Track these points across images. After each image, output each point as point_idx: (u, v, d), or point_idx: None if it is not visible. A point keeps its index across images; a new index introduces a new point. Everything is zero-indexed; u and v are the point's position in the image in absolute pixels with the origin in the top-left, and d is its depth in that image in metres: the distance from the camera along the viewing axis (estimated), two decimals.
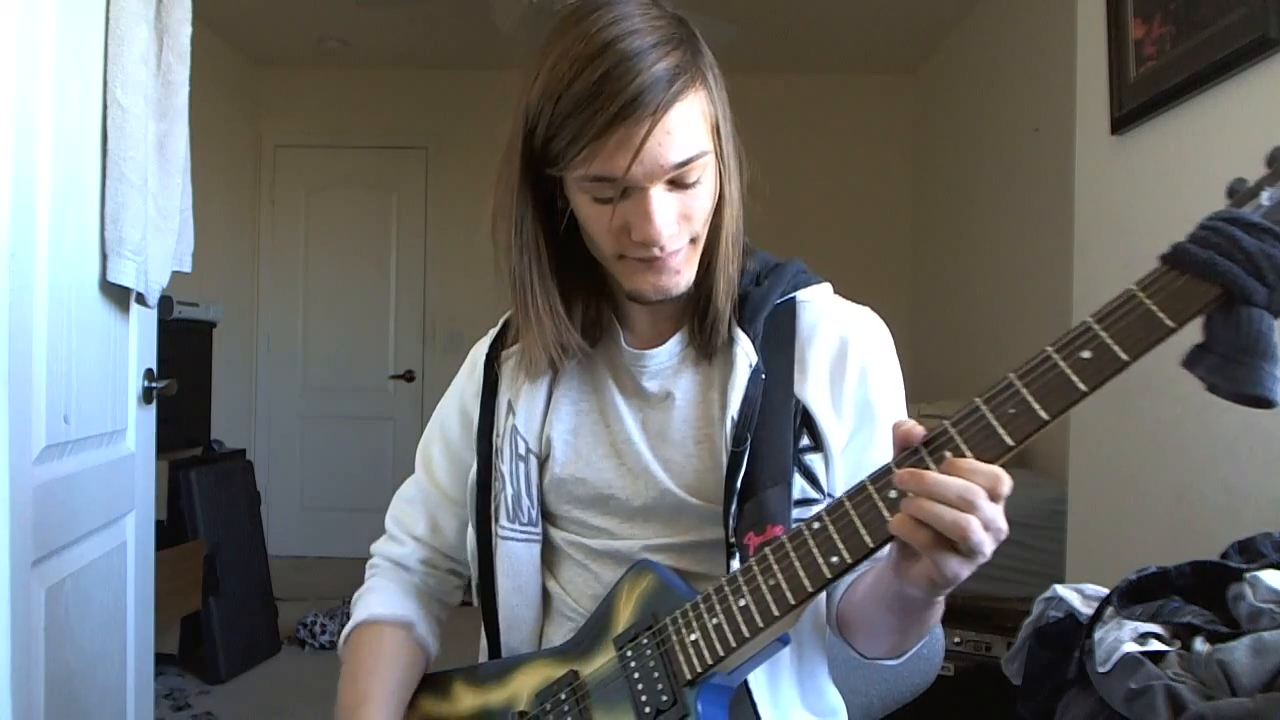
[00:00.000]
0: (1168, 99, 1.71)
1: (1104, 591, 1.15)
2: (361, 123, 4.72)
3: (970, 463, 0.63)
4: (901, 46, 4.27)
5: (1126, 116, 1.86)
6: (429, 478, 1.04)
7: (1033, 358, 0.63)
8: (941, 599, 0.73)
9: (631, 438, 0.91)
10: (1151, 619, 1.04)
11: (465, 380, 1.04)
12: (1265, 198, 0.60)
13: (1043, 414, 0.62)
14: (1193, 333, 0.61)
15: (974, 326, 3.78)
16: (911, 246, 4.62)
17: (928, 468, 0.64)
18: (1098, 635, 1.03)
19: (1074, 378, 0.61)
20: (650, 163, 0.77)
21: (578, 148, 0.77)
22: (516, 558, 0.93)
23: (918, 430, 0.67)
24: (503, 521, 0.93)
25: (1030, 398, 0.62)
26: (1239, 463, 1.52)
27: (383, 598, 0.99)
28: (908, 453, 0.67)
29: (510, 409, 0.95)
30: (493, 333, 1.03)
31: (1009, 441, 0.63)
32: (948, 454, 0.64)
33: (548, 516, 0.95)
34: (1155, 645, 0.98)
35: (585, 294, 0.93)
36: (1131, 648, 0.97)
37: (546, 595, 0.95)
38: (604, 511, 0.92)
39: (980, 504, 0.61)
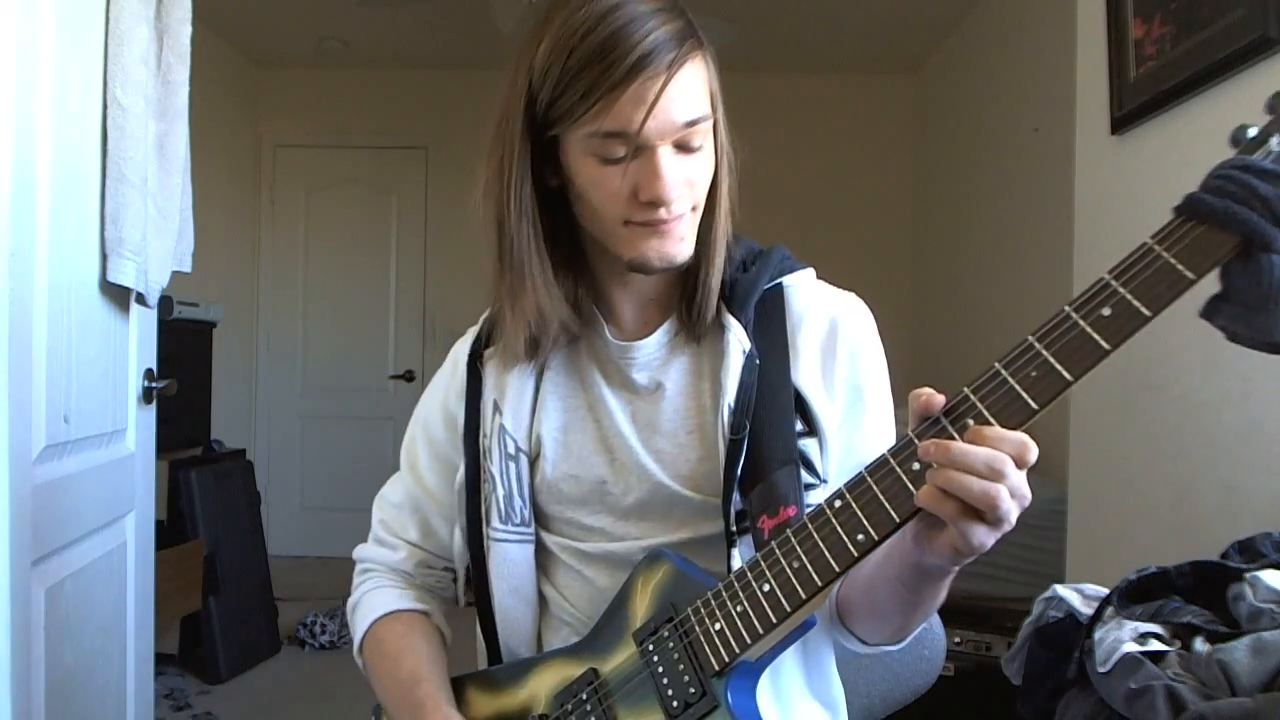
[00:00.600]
0: (1168, 99, 1.71)
1: (1104, 591, 1.15)
2: (361, 123, 4.72)
3: (997, 431, 0.61)
4: (901, 47, 4.27)
5: (1126, 116, 1.86)
6: (415, 480, 1.00)
7: (1051, 318, 0.61)
8: (955, 571, 0.71)
9: (622, 431, 0.89)
10: (1151, 619, 1.04)
11: (447, 380, 1.01)
12: (1275, 143, 0.58)
13: (1067, 375, 0.60)
14: (1208, 285, 0.59)
15: (974, 327, 3.78)
16: (912, 246, 4.61)
17: (950, 437, 0.63)
18: (1098, 635, 1.03)
19: (1096, 336, 0.59)
20: (663, 117, 0.77)
21: (590, 101, 0.77)
22: (511, 559, 0.91)
23: (938, 398, 0.64)
24: (494, 523, 0.91)
25: (1052, 359, 0.60)
26: (1239, 463, 1.52)
27: (392, 595, 0.98)
28: (929, 423, 0.64)
29: (496, 408, 0.92)
30: (473, 332, 1.00)
31: (1033, 406, 0.61)
32: (970, 422, 0.62)
33: (540, 520, 0.93)
34: (1155, 645, 0.98)
35: (568, 282, 0.91)
36: (1131, 648, 0.97)
37: (542, 599, 0.93)
38: (597, 510, 0.90)
39: (1008, 472, 0.60)
